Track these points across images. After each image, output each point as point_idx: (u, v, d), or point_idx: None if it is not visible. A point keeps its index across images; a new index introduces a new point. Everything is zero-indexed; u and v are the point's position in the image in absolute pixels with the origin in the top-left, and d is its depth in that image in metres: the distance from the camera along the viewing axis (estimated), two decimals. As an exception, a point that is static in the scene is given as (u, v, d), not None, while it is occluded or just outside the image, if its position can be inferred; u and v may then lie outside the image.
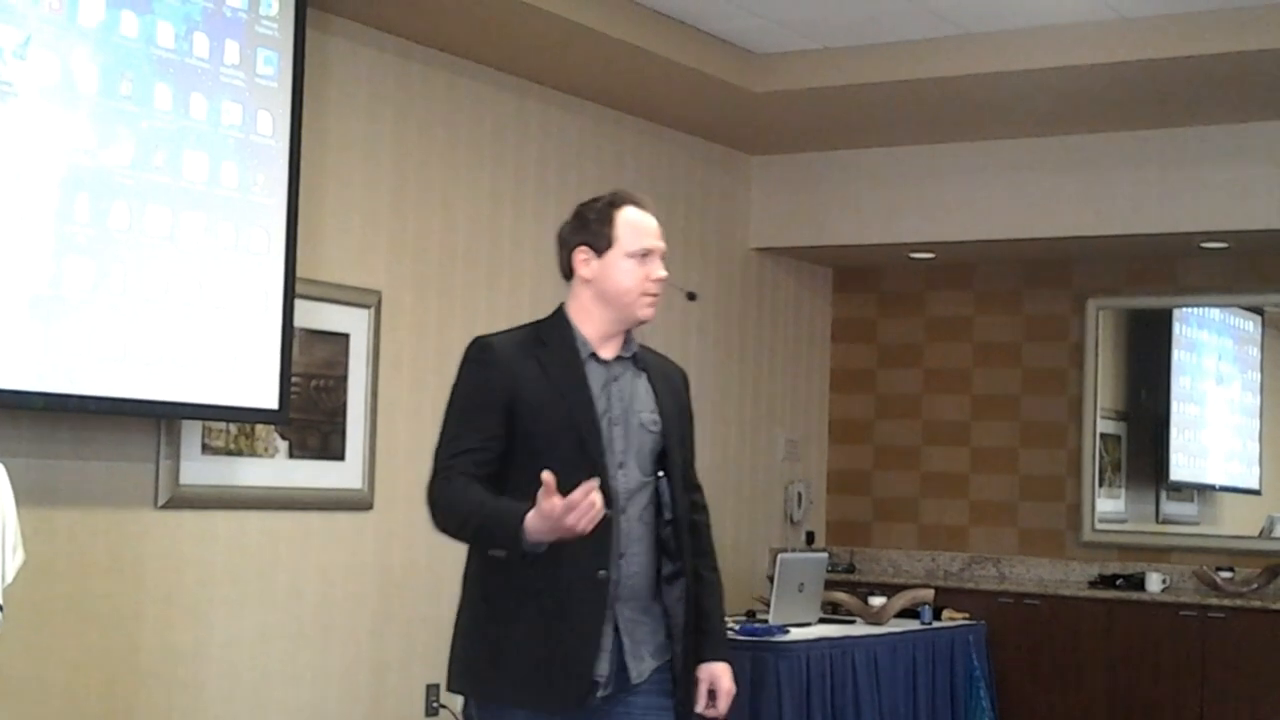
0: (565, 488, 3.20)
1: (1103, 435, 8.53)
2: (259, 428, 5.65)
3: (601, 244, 3.50)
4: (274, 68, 5.35)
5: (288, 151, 5.39)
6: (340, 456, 6.03)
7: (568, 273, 3.56)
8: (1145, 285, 8.46)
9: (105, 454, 5.18)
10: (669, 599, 3.50)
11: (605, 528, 3.32)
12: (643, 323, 3.54)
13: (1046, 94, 7.02)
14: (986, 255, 8.59)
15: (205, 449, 5.50)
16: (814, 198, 8.34)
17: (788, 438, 8.76)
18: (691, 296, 3.84)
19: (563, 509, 3.12)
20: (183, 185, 5.05)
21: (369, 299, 6.13)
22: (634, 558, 3.44)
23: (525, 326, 3.59)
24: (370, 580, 6.10)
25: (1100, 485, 8.49)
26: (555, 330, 3.51)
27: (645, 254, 3.51)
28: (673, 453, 3.53)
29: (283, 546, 5.81)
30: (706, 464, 7.82)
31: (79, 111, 4.76)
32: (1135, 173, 7.61)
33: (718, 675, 3.56)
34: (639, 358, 3.57)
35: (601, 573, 3.36)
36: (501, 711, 3.42)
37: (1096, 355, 8.51)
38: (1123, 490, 8.62)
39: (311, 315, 5.81)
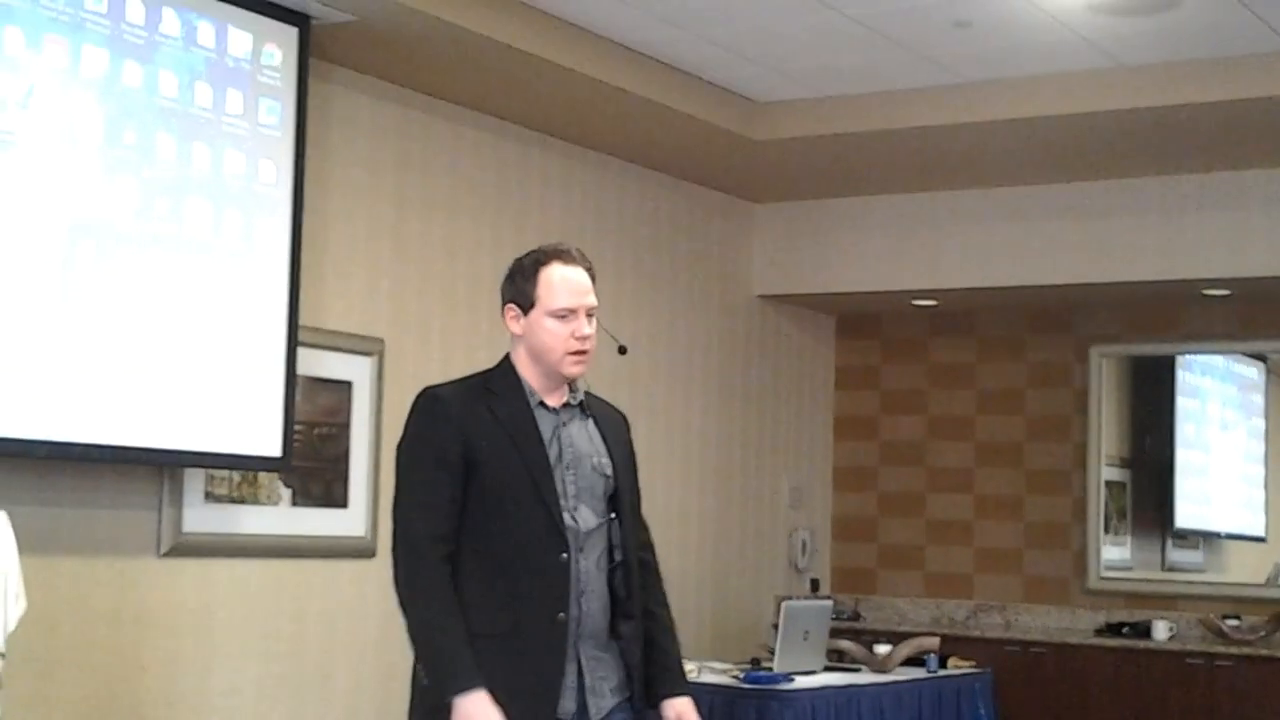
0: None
1: (1107, 482, 8.51)
2: (262, 475, 5.65)
3: (525, 302, 3.55)
4: (276, 117, 5.38)
5: (290, 200, 5.41)
6: (343, 504, 6.02)
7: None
8: (1148, 332, 8.46)
9: (108, 502, 5.17)
10: (625, 635, 3.55)
11: (562, 572, 3.42)
12: (570, 379, 3.58)
13: (1047, 141, 7.04)
14: (989, 302, 8.59)
15: (208, 497, 5.49)
16: (816, 245, 8.35)
17: (792, 484, 8.75)
18: (622, 350, 3.87)
19: None
20: (186, 234, 5.06)
21: (372, 347, 6.13)
22: (593, 596, 3.49)
23: (474, 376, 3.63)
24: (373, 628, 6.07)
25: (1105, 532, 8.47)
26: (503, 379, 3.56)
27: (568, 313, 3.52)
28: (623, 495, 3.59)
29: (286, 594, 5.79)
30: (711, 510, 7.94)
31: (82, 161, 4.78)
32: (1137, 220, 7.61)
33: (683, 711, 3.63)
34: (585, 405, 3.62)
35: (560, 615, 3.41)
36: None
37: (1100, 402, 8.51)
38: (1128, 538, 8.60)
39: (314, 363, 5.81)
